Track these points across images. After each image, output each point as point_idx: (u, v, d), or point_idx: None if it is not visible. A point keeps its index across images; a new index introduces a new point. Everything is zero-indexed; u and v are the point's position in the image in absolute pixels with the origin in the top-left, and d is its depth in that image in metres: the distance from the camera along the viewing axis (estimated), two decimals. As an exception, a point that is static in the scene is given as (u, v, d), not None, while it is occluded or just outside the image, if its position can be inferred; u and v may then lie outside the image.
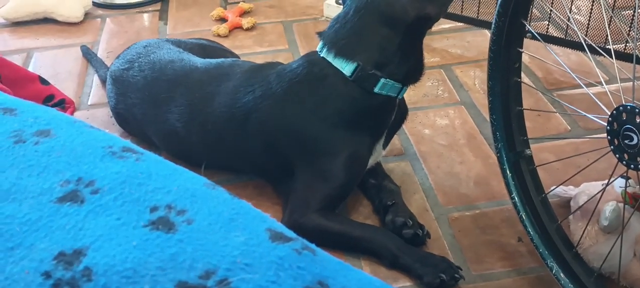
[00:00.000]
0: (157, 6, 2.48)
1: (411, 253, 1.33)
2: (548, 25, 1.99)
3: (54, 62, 2.12)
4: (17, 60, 2.08)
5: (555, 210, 1.31)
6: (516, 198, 1.30)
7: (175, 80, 1.57)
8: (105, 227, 0.63)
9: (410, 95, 1.78)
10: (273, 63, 1.54)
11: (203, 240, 0.63)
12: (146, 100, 1.60)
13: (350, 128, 1.39)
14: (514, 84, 1.31)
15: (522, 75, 1.33)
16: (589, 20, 1.91)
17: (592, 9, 1.93)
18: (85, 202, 0.66)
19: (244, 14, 2.37)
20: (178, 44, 1.78)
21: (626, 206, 1.25)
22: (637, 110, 1.02)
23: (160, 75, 1.60)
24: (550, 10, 2.06)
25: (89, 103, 1.91)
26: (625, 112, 1.04)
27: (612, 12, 2.01)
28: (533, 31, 1.36)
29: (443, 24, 2.20)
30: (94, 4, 2.46)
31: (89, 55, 2.12)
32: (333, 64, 1.38)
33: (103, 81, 1.95)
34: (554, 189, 1.38)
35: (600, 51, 1.29)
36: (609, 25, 1.99)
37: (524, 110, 1.34)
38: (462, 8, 2.10)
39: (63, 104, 1.81)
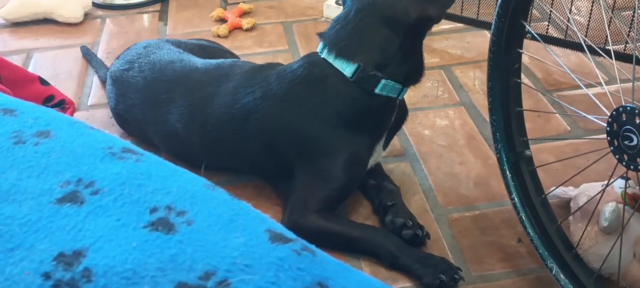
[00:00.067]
0: (157, 7, 2.48)
1: (411, 254, 1.33)
2: (548, 26, 1.99)
3: (54, 62, 2.12)
4: (17, 60, 2.08)
5: (555, 211, 1.31)
6: (516, 199, 1.30)
7: (175, 81, 1.57)
8: (105, 228, 0.63)
9: (410, 96, 1.78)
10: (273, 64, 1.54)
11: (203, 241, 0.63)
12: (146, 100, 1.60)
13: (351, 129, 1.39)
14: (514, 84, 1.31)
15: (522, 76, 1.33)
16: (589, 21, 1.91)
17: (591, 10, 1.93)
18: (85, 203, 0.66)
19: (243, 14, 2.37)
20: (178, 44, 1.78)
21: (626, 207, 1.25)
22: (636, 111, 1.02)
23: (160, 75, 1.60)
24: (550, 11, 2.06)
25: (88, 104, 1.91)
26: (625, 113, 1.04)
27: (612, 12, 2.01)
28: (533, 32, 1.37)
29: (443, 25, 2.20)
30: (94, 4, 2.46)
31: (88, 55, 2.12)
32: (334, 65, 1.38)
33: (103, 82, 1.95)
34: (553, 190, 1.38)
35: (600, 52, 1.29)
36: (609, 26, 1.99)
37: (524, 111, 1.34)
38: (462, 9, 2.10)
39: (63, 105, 1.81)
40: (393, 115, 1.45)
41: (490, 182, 1.57)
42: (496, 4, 1.24)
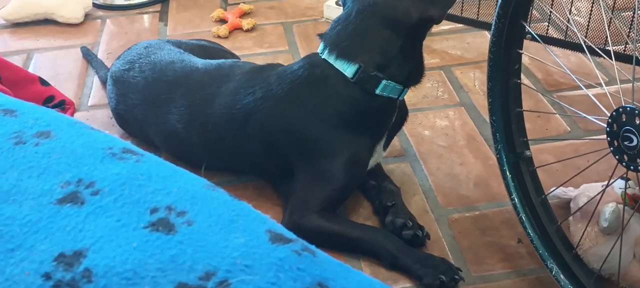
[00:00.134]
0: (157, 7, 2.48)
1: (411, 255, 1.33)
2: (548, 26, 1.99)
3: (54, 63, 2.12)
4: (17, 61, 2.08)
5: (555, 212, 1.31)
6: (516, 199, 1.30)
7: (176, 81, 1.57)
8: (105, 229, 0.63)
9: (410, 96, 1.78)
10: (273, 64, 1.54)
11: (203, 241, 0.63)
12: (147, 101, 1.60)
13: (351, 129, 1.39)
14: (514, 85, 1.31)
15: (522, 76, 1.33)
16: (589, 22, 1.91)
17: (591, 11, 1.93)
18: (86, 203, 0.66)
19: (244, 15, 2.37)
20: (178, 44, 1.78)
21: (626, 207, 1.25)
22: (636, 111, 1.02)
23: (160, 76, 1.60)
24: (550, 12, 2.06)
25: (89, 104, 1.91)
26: (625, 113, 1.04)
27: (612, 13, 2.01)
28: (533, 32, 1.37)
29: (443, 25, 2.20)
30: (94, 5, 2.46)
31: (89, 56, 2.12)
32: (335, 65, 1.38)
33: (103, 82, 1.95)
34: (553, 190, 1.38)
35: (600, 52, 1.29)
36: (609, 26, 1.99)
37: (524, 112, 1.34)
38: (462, 9, 2.10)
39: (63, 105, 1.81)
40: (394, 116, 1.45)
41: (491, 182, 1.57)
42: (496, 4, 1.24)
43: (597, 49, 1.30)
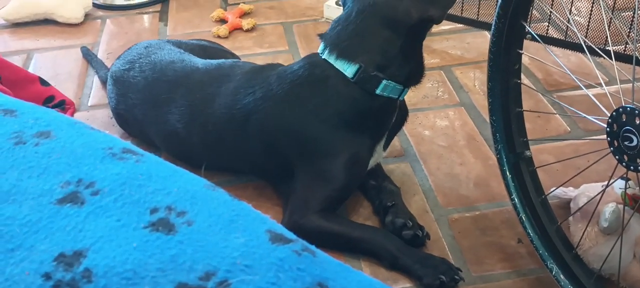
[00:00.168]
0: (157, 7, 2.48)
1: (411, 255, 1.33)
2: (548, 26, 1.99)
3: (54, 63, 2.12)
4: (17, 61, 2.08)
5: (555, 212, 1.31)
6: (516, 199, 1.30)
7: (176, 81, 1.57)
8: (105, 229, 0.63)
9: (410, 96, 1.78)
10: (274, 64, 1.54)
11: (203, 241, 0.63)
12: (147, 100, 1.60)
13: (351, 129, 1.39)
14: (514, 85, 1.31)
15: (522, 76, 1.33)
16: (589, 22, 1.91)
17: (591, 11, 1.93)
18: (86, 203, 0.66)
19: (244, 15, 2.37)
20: (179, 44, 1.78)
21: (626, 207, 1.25)
22: (636, 111, 1.02)
23: (161, 76, 1.60)
24: (550, 12, 2.06)
25: (89, 104, 1.91)
26: (625, 113, 1.04)
27: (612, 13, 2.01)
28: (533, 33, 1.37)
29: (443, 26, 2.20)
30: (94, 5, 2.46)
31: (89, 56, 2.12)
32: (335, 65, 1.38)
33: (103, 82, 1.95)
34: (553, 190, 1.38)
35: (600, 53, 1.29)
36: (609, 26, 1.99)
37: (524, 112, 1.34)
38: (462, 9, 2.10)
39: (63, 105, 1.81)
40: (394, 116, 1.45)
41: (491, 182, 1.57)
42: (496, 4, 1.24)
43: (597, 49, 1.30)
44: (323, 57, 1.41)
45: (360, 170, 1.44)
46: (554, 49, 1.93)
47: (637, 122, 1.02)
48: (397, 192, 1.50)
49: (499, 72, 1.30)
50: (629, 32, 1.94)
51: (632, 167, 1.04)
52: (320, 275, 0.62)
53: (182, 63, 1.61)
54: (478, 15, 2.09)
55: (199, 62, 1.62)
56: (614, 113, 1.06)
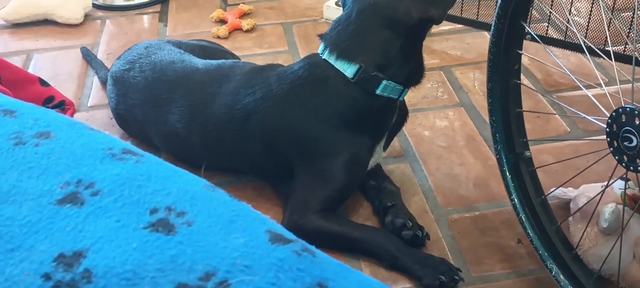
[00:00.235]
0: (157, 8, 2.48)
1: (411, 255, 1.33)
2: (547, 27, 1.99)
3: (54, 63, 2.12)
4: (17, 61, 2.08)
5: (555, 212, 1.31)
6: (516, 199, 1.30)
7: (176, 81, 1.57)
8: (105, 229, 0.63)
9: (410, 96, 1.78)
10: (273, 65, 1.54)
11: (203, 241, 0.63)
12: (147, 101, 1.60)
13: (351, 129, 1.39)
14: (514, 85, 1.31)
15: (522, 77, 1.33)
16: (589, 22, 1.91)
17: (591, 11, 1.93)
18: (85, 204, 0.66)
19: (243, 15, 2.37)
20: (179, 45, 1.78)
21: (626, 208, 1.25)
22: (636, 112, 1.02)
23: (161, 76, 1.60)
24: (550, 12, 2.06)
25: (88, 105, 1.91)
26: (624, 114, 1.04)
27: (612, 14, 2.01)
28: (532, 33, 1.37)
29: (443, 26, 2.20)
30: (94, 5, 2.46)
31: (88, 56, 2.12)
32: (335, 66, 1.38)
33: (103, 83, 1.95)
34: (553, 191, 1.38)
35: (600, 53, 1.29)
36: (609, 27, 1.99)
37: (524, 112, 1.34)
38: (461, 10, 2.10)
39: (63, 106, 1.81)
40: (394, 116, 1.46)
41: (490, 183, 1.57)
42: (496, 5, 1.24)
43: (596, 50, 1.30)
44: (323, 58, 1.41)
45: (360, 170, 1.44)
46: (554, 49, 1.93)
47: (637, 122, 1.02)
48: (397, 192, 1.50)
49: (499, 72, 1.30)
50: (629, 32, 1.94)
51: (631, 168, 1.04)
52: (320, 276, 0.62)
53: (182, 63, 1.62)
54: (478, 15, 2.09)
55: (199, 62, 1.62)
56: (613, 113, 1.06)
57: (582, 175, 1.31)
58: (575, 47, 1.88)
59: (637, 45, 1.63)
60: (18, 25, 2.35)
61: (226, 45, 2.07)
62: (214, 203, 0.69)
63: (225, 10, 2.41)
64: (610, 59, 1.23)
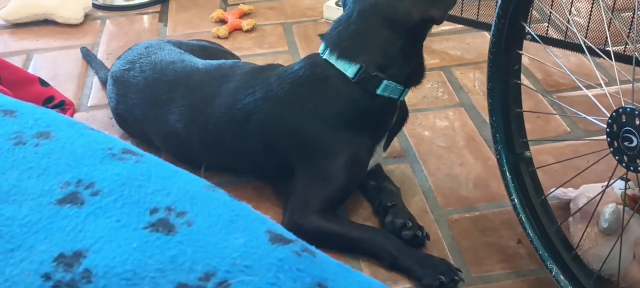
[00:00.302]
0: (157, 8, 2.48)
1: (411, 255, 1.33)
2: (548, 27, 1.99)
3: (54, 63, 2.12)
4: (17, 61, 2.08)
5: (555, 212, 1.31)
6: (516, 200, 1.30)
7: (176, 81, 1.57)
8: (105, 229, 0.63)
9: (410, 97, 1.77)
10: (274, 65, 1.54)
11: (203, 242, 0.63)
12: (147, 100, 1.60)
13: (352, 129, 1.39)
14: (514, 85, 1.31)
15: (522, 77, 1.33)
16: (589, 22, 1.91)
17: (591, 11, 1.93)
18: (85, 203, 0.66)
19: (243, 15, 2.37)
20: (179, 45, 1.78)
21: (626, 208, 1.25)
22: (636, 112, 1.02)
23: (161, 76, 1.60)
24: (550, 12, 2.06)
25: (88, 105, 1.91)
26: (624, 114, 1.04)
27: (612, 14, 2.01)
28: (533, 33, 1.37)
29: (443, 26, 2.20)
30: (94, 5, 2.46)
31: (88, 56, 2.12)
32: (336, 65, 1.39)
33: (103, 83, 1.95)
34: (553, 191, 1.38)
35: (600, 53, 1.29)
36: (609, 27, 1.99)
37: (524, 112, 1.34)
38: (461, 10, 2.10)
39: (63, 106, 1.81)
40: (394, 116, 1.46)
41: (490, 183, 1.57)
42: (496, 5, 1.24)
43: (597, 50, 1.30)
44: (324, 57, 1.41)
45: (360, 170, 1.44)
46: (554, 49, 1.93)
47: (637, 122, 1.02)
48: (397, 192, 1.50)
49: (499, 72, 1.30)
50: (629, 32, 1.94)
51: (631, 168, 1.04)
52: (320, 276, 0.62)
53: (182, 63, 1.62)
54: (478, 15, 2.09)
55: (199, 62, 1.62)
56: (613, 113, 1.06)
57: (582, 175, 1.31)
58: (576, 47, 1.88)
59: (637, 45, 1.63)
60: (18, 25, 2.35)
61: (226, 45, 2.07)
62: (214, 203, 0.69)
63: (225, 10, 2.41)
64: (611, 59, 1.23)
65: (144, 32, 2.32)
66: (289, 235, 0.67)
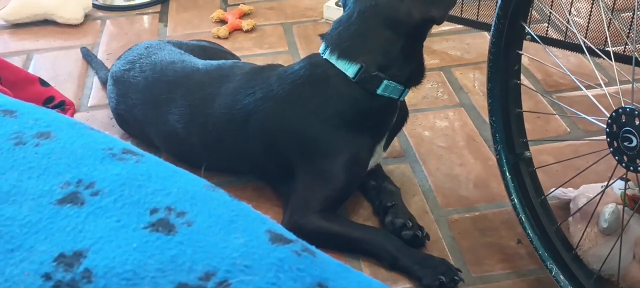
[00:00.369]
0: (157, 8, 2.48)
1: (411, 255, 1.33)
2: (547, 27, 1.99)
3: (54, 63, 2.12)
4: (17, 61, 2.08)
5: (555, 212, 1.31)
6: (516, 200, 1.30)
7: (176, 82, 1.57)
8: (105, 229, 0.63)
9: (410, 97, 1.77)
10: (274, 65, 1.54)
11: (203, 241, 0.63)
12: (147, 101, 1.60)
13: (352, 129, 1.40)
14: (514, 86, 1.31)
15: (522, 77, 1.33)
16: (589, 23, 1.91)
17: (591, 11, 1.93)
18: (86, 203, 0.66)
19: (243, 16, 2.37)
20: (179, 45, 1.78)
21: (625, 208, 1.25)
22: (636, 112, 1.02)
23: (161, 76, 1.60)
24: (550, 13, 2.06)
25: (89, 105, 1.92)
26: (624, 114, 1.04)
27: (612, 14, 2.01)
28: (532, 33, 1.37)
29: (443, 26, 2.20)
30: (94, 5, 2.47)
31: (89, 57, 2.12)
32: (336, 65, 1.39)
33: (103, 83, 1.95)
34: (553, 191, 1.38)
35: (600, 53, 1.30)
36: (609, 27, 1.99)
37: (524, 112, 1.34)
38: (461, 10, 2.11)
39: (63, 106, 1.81)
40: (394, 116, 1.46)
41: (490, 183, 1.57)
42: (496, 5, 1.24)
43: (596, 50, 1.30)
44: (324, 57, 1.41)
45: (361, 170, 1.44)
46: (554, 49, 1.93)
47: (637, 122, 1.02)
48: (397, 192, 1.50)
49: (499, 72, 1.30)
50: (629, 32, 1.94)
51: (631, 168, 1.04)
52: (320, 276, 0.62)
53: (182, 63, 1.62)
54: (478, 16, 2.09)
55: (199, 62, 1.62)
56: (613, 114, 1.06)
57: (582, 175, 1.31)
58: (575, 48, 1.88)
59: (637, 46, 1.63)
60: (18, 25, 2.35)
61: (226, 45, 2.07)
62: (214, 203, 0.69)
63: (225, 10, 2.41)
64: (610, 59, 1.23)
65: (144, 32, 2.32)
66: (289, 235, 0.67)
